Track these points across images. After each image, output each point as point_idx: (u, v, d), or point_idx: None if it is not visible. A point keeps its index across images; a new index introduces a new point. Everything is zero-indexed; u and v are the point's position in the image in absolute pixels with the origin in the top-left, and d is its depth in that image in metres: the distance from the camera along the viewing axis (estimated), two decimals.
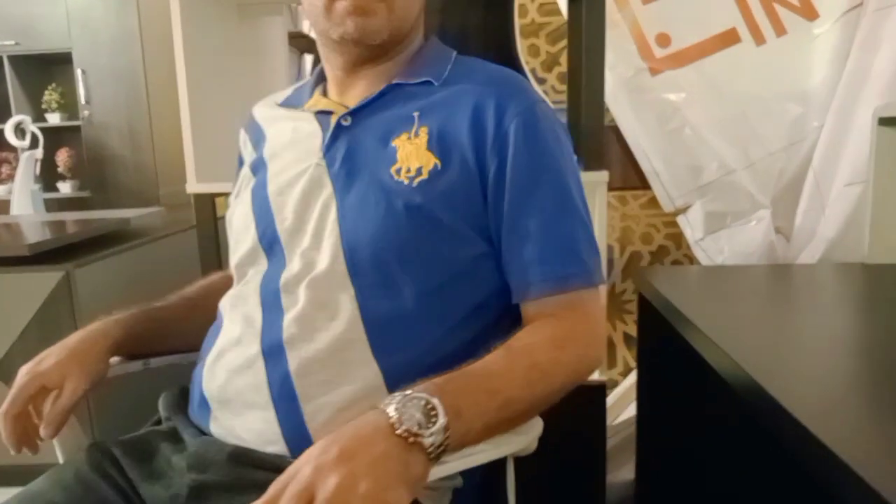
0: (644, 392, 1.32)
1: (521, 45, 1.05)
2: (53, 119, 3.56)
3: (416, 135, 0.78)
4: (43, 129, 3.02)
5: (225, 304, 0.83)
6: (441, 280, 0.74)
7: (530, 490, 0.84)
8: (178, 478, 0.74)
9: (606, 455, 1.30)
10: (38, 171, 2.97)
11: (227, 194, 1.01)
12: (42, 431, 0.81)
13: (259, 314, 0.76)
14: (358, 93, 0.84)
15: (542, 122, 0.78)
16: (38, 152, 2.96)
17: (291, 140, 0.85)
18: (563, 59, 1.92)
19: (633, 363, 1.93)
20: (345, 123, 0.81)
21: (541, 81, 1.92)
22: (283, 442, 0.71)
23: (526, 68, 1.03)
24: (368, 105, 0.81)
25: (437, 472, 0.62)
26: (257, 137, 0.91)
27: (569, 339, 0.72)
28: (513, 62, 1.01)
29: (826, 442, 0.51)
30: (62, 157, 3.59)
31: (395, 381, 0.69)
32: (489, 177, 0.76)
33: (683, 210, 1.67)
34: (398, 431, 0.57)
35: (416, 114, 0.79)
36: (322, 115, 0.84)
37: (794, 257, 1.54)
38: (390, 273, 0.73)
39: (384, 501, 0.53)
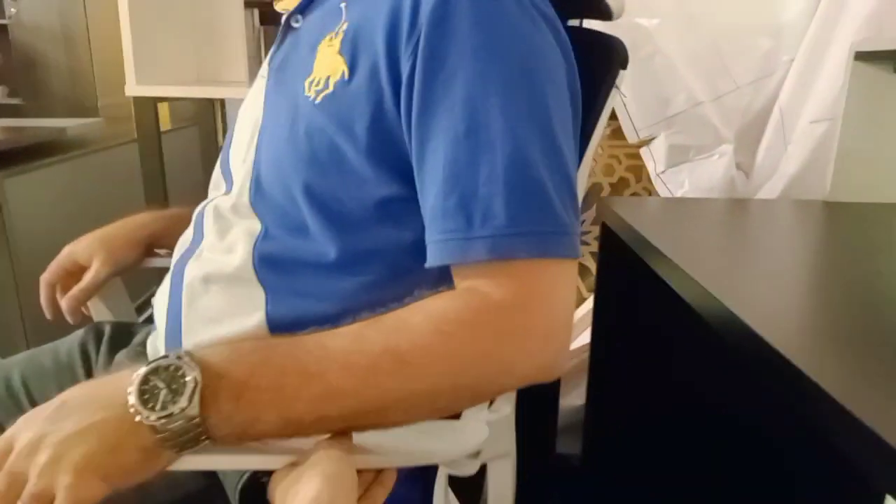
0: (600, 319, 1.32)
1: None
2: None
3: (337, 34, 0.61)
4: None
5: None
6: (344, 224, 0.60)
7: None
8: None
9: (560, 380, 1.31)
10: None
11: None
12: (62, 304, 0.86)
13: (190, 235, 0.70)
14: None
15: None
16: None
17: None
18: None
19: (585, 293, 1.94)
20: (295, 25, 0.69)
21: None
22: None
23: None
24: (310, 2, 0.69)
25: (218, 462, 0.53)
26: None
27: (470, 323, 0.50)
28: None
29: (796, 363, 0.51)
30: None
31: (278, 330, 0.60)
32: (402, 92, 0.55)
33: (647, 142, 1.65)
34: (129, 405, 0.45)
35: (342, 5, 0.63)
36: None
37: (752, 193, 1.55)
38: (289, 208, 0.61)
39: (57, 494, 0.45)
